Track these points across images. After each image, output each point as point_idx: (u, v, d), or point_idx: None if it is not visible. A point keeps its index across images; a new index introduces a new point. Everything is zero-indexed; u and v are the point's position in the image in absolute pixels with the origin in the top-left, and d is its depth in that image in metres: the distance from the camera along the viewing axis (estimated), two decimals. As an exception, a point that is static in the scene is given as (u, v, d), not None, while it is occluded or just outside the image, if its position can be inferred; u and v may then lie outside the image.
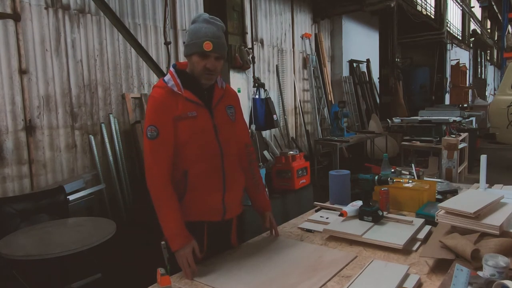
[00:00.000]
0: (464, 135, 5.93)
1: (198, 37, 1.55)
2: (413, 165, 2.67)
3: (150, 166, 1.56)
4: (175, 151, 1.59)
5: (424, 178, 2.57)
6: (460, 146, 5.43)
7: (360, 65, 10.17)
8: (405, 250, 1.59)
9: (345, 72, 9.36)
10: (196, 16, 1.63)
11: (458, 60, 15.51)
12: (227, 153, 1.66)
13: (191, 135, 1.59)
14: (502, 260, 1.22)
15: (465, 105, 12.64)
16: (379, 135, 7.48)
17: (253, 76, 5.65)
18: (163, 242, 1.50)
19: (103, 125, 4.32)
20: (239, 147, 1.79)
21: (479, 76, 20.24)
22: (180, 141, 1.59)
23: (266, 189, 3.93)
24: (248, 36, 5.21)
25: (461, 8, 16.96)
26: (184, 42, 1.65)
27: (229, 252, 1.68)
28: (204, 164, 1.62)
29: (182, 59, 5.12)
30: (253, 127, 5.08)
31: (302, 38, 7.99)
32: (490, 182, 2.32)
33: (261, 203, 1.87)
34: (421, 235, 1.71)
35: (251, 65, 4.53)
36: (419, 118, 6.43)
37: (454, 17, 16.93)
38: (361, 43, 10.06)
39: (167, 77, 1.62)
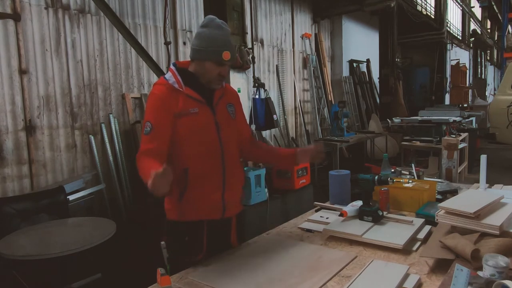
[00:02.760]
0: (464, 135, 5.93)
1: (216, 46, 1.57)
2: (413, 165, 2.67)
3: (138, 153, 1.56)
4: (176, 149, 1.60)
5: (424, 178, 2.57)
6: (460, 146, 5.43)
7: (360, 65, 10.17)
8: (405, 250, 1.59)
9: (345, 72, 9.35)
10: (208, 20, 1.63)
11: (458, 60, 15.50)
12: (227, 151, 1.67)
13: (192, 132, 1.59)
14: (502, 260, 1.22)
15: (465, 105, 12.64)
16: (379, 135, 7.48)
17: (253, 76, 5.64)
18: (162, 242, 1.50)
19: (103, 125, 4.32)
20: (243, 143, 1.80)
21: (479, 76, 20.23)
22: (181, 138, 1.59)
23: (266, 190, 3.94)
24: (248, 36, 5.21)
25: (461, 8, 16.96)
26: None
27: (229, 252, 1.68)
28: (204, 161, 1.62)
29: (182, 59, 5.12)
30: (253, 127, 5.08)
31: (302, 38, 7.99)
32: (490, 182, 2.32)
33: (286, 152, 1.85)
34: (421, 235, 1.71)
35: (251, 65, 4.53)
36: (419, 118, 6.43)
37: (454, 17, 16.93)
38: (361, 43, 10.06)
39: (168, 75, 1.63)
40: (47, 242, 2.42)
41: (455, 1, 15.93)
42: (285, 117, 7.27)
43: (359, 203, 1.93)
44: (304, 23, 8.10)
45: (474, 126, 8.19)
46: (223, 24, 1.62)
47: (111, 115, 4.39)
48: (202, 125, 1.61)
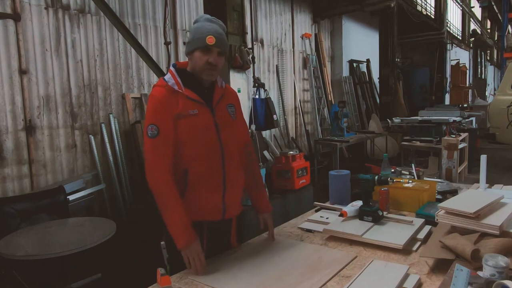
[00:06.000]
0: (464, 135, 5.93)
1: (201, 33, 1.58)
2: (413, 165, 2.68)
3: (151, 164, 1.56)
4: (176, 150, 1.59)
5: (424, 178, 2.57)
6: (460, 146, 5.44)
7: (360, 65, 10.17)
8: (405, 250, 1.59)
9: (345, 72, 9.35)
10: (198, 16, 1.67)
11: (458, 60, 15.50)
12: (228, 152, 1.67)
13: (192, 133, 1.59)
14: (502, 260, 1.22)
15: (465, 105, 12.65)
16: (379, 135, 7.47)
17: (253, 76, 5.65)
18: (162, 242, 1.50)
19: (103, 125, 4.32)
20: (239, 146, 1.79)
21: (479, 76, 20.23)
22: (181, 139, 1.59)
23: (267, 189, 3.94)
24: (248, 36, 5.21)
25: (461, 8, 16.96)
26: (184, 43, 1.67)
27: (229, 252, 1.68)
28: (204, 162, 1.62)
29: (182, 59, 5.12)
30: (253, 127, 5.07)
31: (302, 38, 7.99)
32: (490, 182, 2.32)
33: (260, 204, 1.86)
34: (421, 235, 1.71)
35: (251, 65, 4.53)
36: (419, 118, 6.44)
37: (454, 17, 16.93)
38: (361, 43, 10.05)
39: (167, 76, 1.63)
40: (47, 242, 2.42)
41: (455, 1, 15.93)
42: (285, 117, 7.27)
43: (359, 203, 1.93)
44: (304, 23, 8.10)
45: (474, 126, 8.20)
46: (213, 19, 1.64)
47: (111, 115, 4.39)
48: (202, 127, 1.61)
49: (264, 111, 5.22)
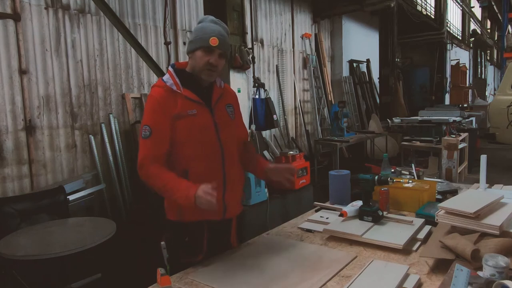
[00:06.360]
0: (464, 135, 5.94)
1: (204, 33, 1.58)
2: (413, 165, 2.68)
3: (140, 159, 1.58)
4: (175, 150, 1.60)
5: (424, 178, 2.57)
6: (460, 146, 5.44)
7: (360, 65, 10.17)
8: (405, 250, 1.59)
9: (345, 72, 9.35)
10: (203, 17, 1.67)
11: (458, 60, 15.50)
12: (227, 152, 1.67)
13: (191, 134, 1.59)
14: (502, 260, 1.22)
15: (465, 105, 12.65)
16: (379, 135, 7.47)
17: (253, 76, 5.64)
18: (162, 242, 1.50)
19: (103, 125, 4.32)
20: (239, 145, 1.80)
21: (479, 76, 20.23)
22: (180, 139, 1.59)
23: (266, 189, 3.94)
24: (248, 36, 5.20)
25: (461, 8, 16.96)
26: (184, 43, 1.68)
27: (229, 252, 1.68)
28: (204, 162, 1.62)
29: (182, 59, 5.12)
30: (253, 127, 5.07)
31: (302, 38, 7.99)
32: (490, 182, 2.32)
33: (260, 164, 1.80)
34: (421, 235, 1.71)
35: (251, 65, 4.53)
36: (419, 118, 6.44)
37: (454, 17, 16.93)
38: (361, 43, 10.05)
39: (165, 77, 1.63)
40: (47, 242, 2.42)
41: (455, 1, 15.93)
42: (285, 117, 7.27)
43: (359, 203, 1.93)
44: (304, 23, 8.10)
45: (474, 126, 8.20)
46: (218, 21, 1.64)
47: (111, 115, 4.39)
48: (201, 127, 1.61)
49: (264, 111, 5.22)
